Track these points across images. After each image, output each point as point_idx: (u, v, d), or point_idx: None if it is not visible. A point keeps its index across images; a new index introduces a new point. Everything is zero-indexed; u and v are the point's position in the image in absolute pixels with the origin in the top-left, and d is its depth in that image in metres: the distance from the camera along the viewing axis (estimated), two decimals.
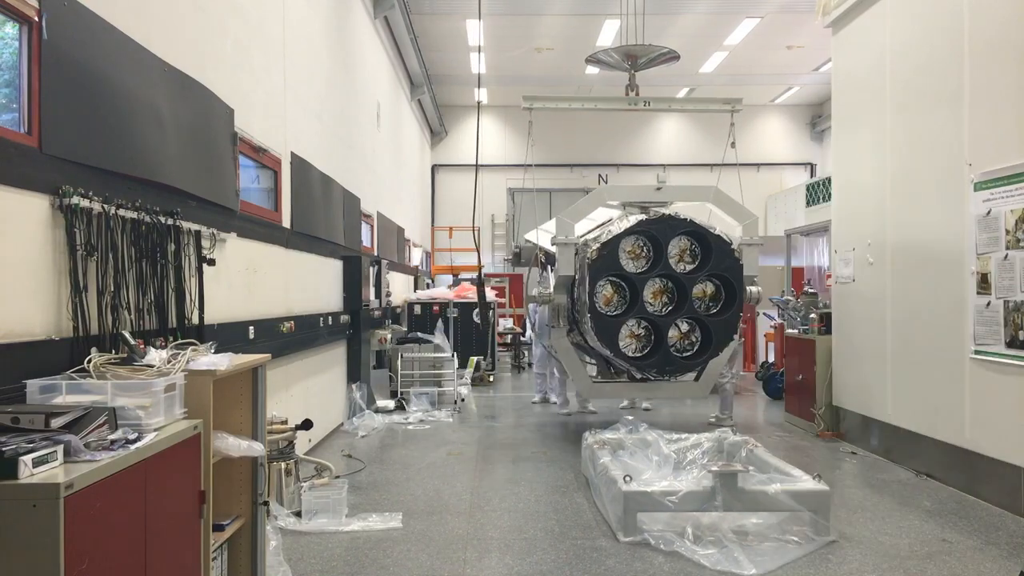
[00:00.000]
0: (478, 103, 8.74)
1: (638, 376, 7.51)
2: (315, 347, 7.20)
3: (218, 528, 3.35)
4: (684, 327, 7.16)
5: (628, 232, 6.95)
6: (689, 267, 7.01)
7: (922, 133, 6.39)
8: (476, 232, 8.98)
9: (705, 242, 6.95)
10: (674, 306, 7.02)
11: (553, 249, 7.59)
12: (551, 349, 8.78)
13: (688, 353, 7.16)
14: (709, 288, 7.12)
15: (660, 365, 7.06)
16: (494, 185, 18.68)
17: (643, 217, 7.15)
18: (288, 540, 4.61)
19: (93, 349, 2.99)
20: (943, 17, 6.05)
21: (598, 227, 7.88)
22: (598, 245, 6.92)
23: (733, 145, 7.91)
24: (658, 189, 7.44)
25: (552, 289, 7.58)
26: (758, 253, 7.29)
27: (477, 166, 8.00)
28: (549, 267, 8.47)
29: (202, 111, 4.58)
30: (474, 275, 15.08)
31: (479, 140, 8.41)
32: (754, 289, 7.21)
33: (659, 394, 8.37)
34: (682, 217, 7.05)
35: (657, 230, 6.92)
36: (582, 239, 7.44)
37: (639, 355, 7.10)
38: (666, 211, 7.22)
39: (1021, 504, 5.18)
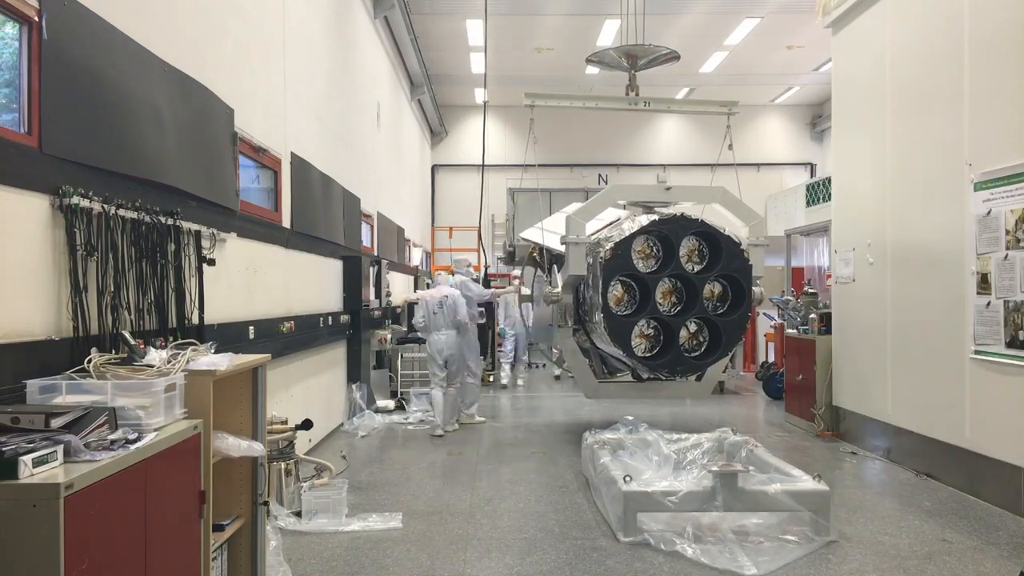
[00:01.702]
0: (484, 103, 8.75)
1: (645, 376, 7.51)
2: (315, 347, 7.20)
3: (218, 528, 3.35)
4: (693, 327, 7.17)
5: (641, 231, 6.95)
6: (697, 267, 7.02)
7: (922, 133, 6.39)
8: (480, 234, 9.00)
9: (714, 242, 6.94)
10: (683, 306, 7.03)
11: (560, 248, 7.58)
12: (557, 350, 8.78)
13: (696, 353, 7.16)
14: (716, 288, 7.11)
15: (672, 365, 7.06)
16: (494, 185, 18.64)
17: (652, 217, 7.15)
18: (288, 540, 4.61)
19: (93, 349, 2.99)
20: (943, 18, 6.05)
21: (605, 227, 7.87)
22: (611, 245, 6.91)
23: (731, 147, 7.89)
24: (667, 189, 7.44)
25: (560, 289, 7.57)
26: (763, 254, 7.26)
27: (484, 166, 8.01)
28: (555, 266, 8.45)
29: (202, 111, 4.58)
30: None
31: (484, 139, 8.44)
32: (757, 290, 7.20)
33: (661, 394, 8.38)
34: (693, 217, 7.06)
35: (669, 230, 6.91)
36: (592, 238, 7.43)
37: (649, 355, 7.10)
38: (677, 211, 7.22)
39: (1021, 504, 5.18)
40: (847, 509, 5.34)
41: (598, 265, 6.93)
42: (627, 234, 6.91)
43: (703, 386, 7.73)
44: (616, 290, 7.03)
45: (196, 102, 4.50)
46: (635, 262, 6.96)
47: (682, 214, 7.06)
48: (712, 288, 7.06)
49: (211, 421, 3.06)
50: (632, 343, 7.00)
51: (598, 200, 7.67)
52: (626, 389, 7.97)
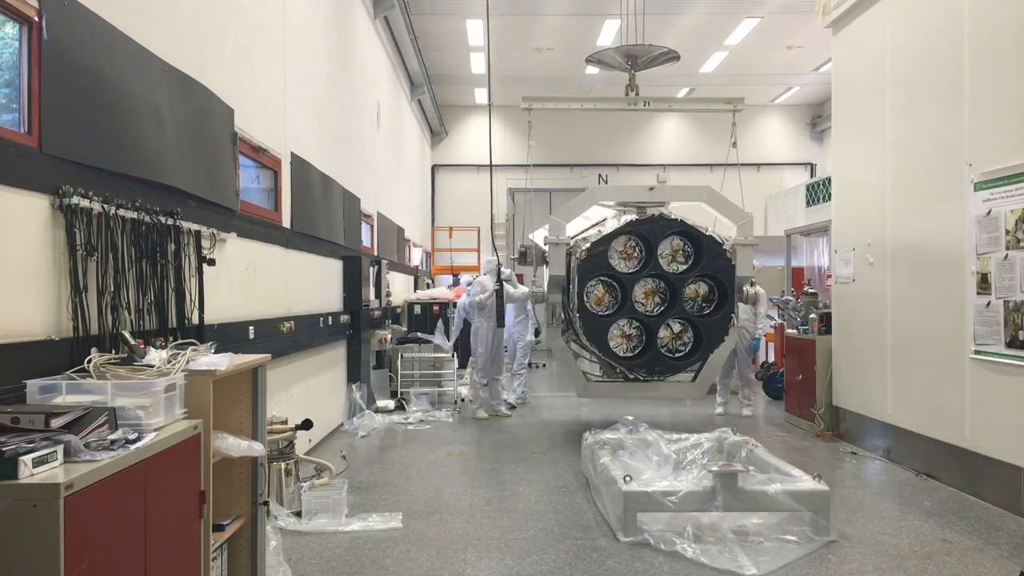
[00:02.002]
0: (489, 104, 8.79)
1: (631, 376, 7.52)
2: (315, 347, 7.20)
3: (218, 528, 3.35)
4: (677, 327, 7.16)
5: (618, 232, 6.98)
6: (682, 267, 7.02)
7: (922, 133, 6.39)
8: (493, 234, 9.05)
9: (697, 242, 6.95)
10: (666, 306, 7.04)
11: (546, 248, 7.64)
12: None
13: (680, 353, 7.15)
14: (702, 288, 7.10)
15: (649, 365, 7.10)
16: (494, 185, 18.63)
17: (634, 217, 7.18)
18: (288, 540, 4.61)
19: (93, 349, 2.99)
20: (943, 17, 6.05)
21: (592, 226, 7.91)
22: (587, 245, 6.96)
23: (735, 145, 7.89)
24: (651, 189, 7.45)
25: (546, 288, 7.62)
26: (753, 253, 7.24)
27: (491, 166, 8.09)
28: (545, 266, 8.52)
29: (202, 111, 4.58)
30: (475, 275, 15.10)
31: (491, 140, 8.51)
32: (751, 289, 7.20)
33: (655, 394, 8.40)
34: (673, 217, 7.06)
35: (647, 230, 6.94)
36: (574, 239, 7.45)
37: (630, 355, 7.11)
38: (657, 211, 7.22)
39: (1021, 504, 5.18)
40: (847, 509, 5.34)
41: (575, 265, 6.98)
42: (604, 235, 6.97)
43: (698, 386, 7.68)
44: (597, 290, 7.08)
45: (196, 102, 4.49)
46: (616, 262, 7.00)
47: (660, 214, 7.08)
48: (697, 288, 7.05)
49: (211, 421, 3.06)
50: (614, 343, 7.05)
51: (580, 201, 7.71)
52: (616, 388, 7.98)
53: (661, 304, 7.07)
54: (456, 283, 15.78)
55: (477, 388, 9.34)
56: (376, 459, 7.02)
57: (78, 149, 3.23)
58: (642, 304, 7.04)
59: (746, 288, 7.23)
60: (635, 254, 7.05)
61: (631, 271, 7.01)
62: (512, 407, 9.69)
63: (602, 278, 7.05)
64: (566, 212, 7.57)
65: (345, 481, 5.55)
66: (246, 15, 5.50)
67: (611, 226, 7.14)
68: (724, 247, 6.94)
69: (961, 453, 5.79)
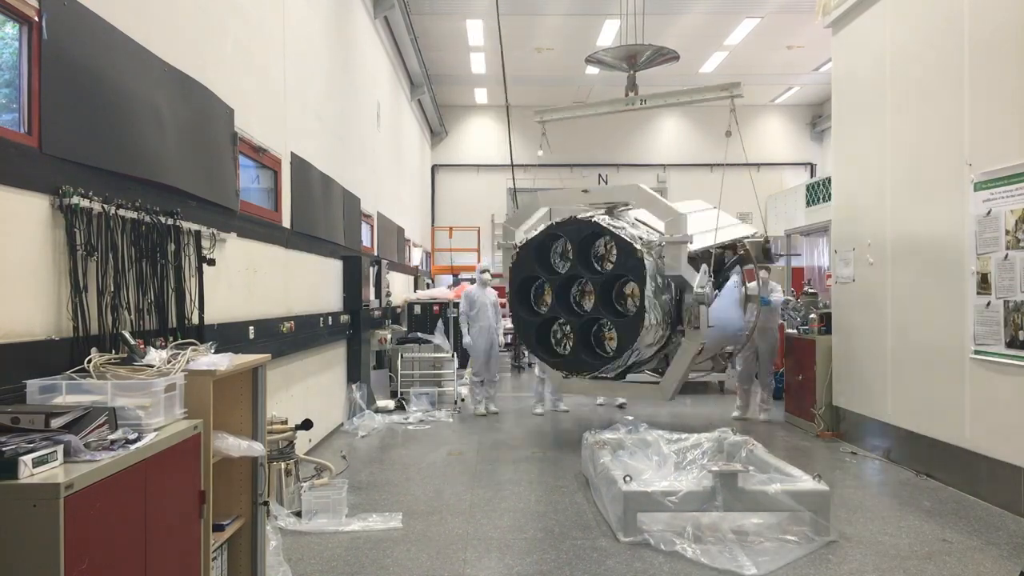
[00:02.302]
0: (507, 105, 8.85)
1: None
2: (315, 347, 7.20)
3: (218, 528, 3.35)
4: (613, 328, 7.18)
5: (543, 235, 7.33)
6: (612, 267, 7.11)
7: (922, 133, 6.39)
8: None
9: (620, 243, 6.92)
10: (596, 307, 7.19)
11: None
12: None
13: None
14: (637, 289, 7.02)
15: (570, 365, 7.25)
16: (494, 185, 18.69)
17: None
18: (288, 540, 4.61)
19: (93, 349, 2.99)
20: (943, 18, 6.05)
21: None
22: (517, 248, 7.22)
23: (728, 134, 7.66)
24: (585, 191, 7.79)
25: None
26: (683, 251, 6.93)
27: (512, 166, 8.25)
28: None
29: (202, 111, 4.58)
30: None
31: (510, 140, 8.61)
32: (702, 290, 6.94)
33: (621, 394, 8.43)
34: (585, 218, 7.15)
35: (566, 232, 7.13)
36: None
37: (563, 354, 7.31)
38: (581, 214, 7.37)
39: (1021, 504, 5.18)
40: (847, 509, 5.34)
41: (507, 268, 7.41)
42: (531, 238, 7.37)
43: (662, 388, 7.51)
44: (542, 290, 7.39)
45: (196, 102, 4.50)
46: (557, 263, 7.26)
47: (575, 216, 7.22)
48: (633, 288, 7.00)
49: (211, 421, 3.06)
50: (552, 341, 7.35)
51: (525, 208, 8.08)
52: (587, 386, 8.02)
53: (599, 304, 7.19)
54: (456, 283, 15.79)
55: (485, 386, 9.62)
56: (376, 459, 7.02)
57: (78, 149, 3.23)
58: (581, 304, 7.23)
59: (697, 290, 6.99)
60: (571, 256, 7.23)
61: (565, 272, 7.22)
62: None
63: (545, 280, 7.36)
64: (514, 219, 8.01)
65: (345, 481, 5.56)
66: (246, 15, 5.50)
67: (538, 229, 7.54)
68: (636, 246, 6.82)
69: (961, 453, 5.79)
